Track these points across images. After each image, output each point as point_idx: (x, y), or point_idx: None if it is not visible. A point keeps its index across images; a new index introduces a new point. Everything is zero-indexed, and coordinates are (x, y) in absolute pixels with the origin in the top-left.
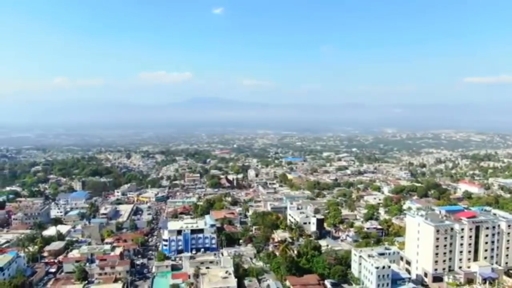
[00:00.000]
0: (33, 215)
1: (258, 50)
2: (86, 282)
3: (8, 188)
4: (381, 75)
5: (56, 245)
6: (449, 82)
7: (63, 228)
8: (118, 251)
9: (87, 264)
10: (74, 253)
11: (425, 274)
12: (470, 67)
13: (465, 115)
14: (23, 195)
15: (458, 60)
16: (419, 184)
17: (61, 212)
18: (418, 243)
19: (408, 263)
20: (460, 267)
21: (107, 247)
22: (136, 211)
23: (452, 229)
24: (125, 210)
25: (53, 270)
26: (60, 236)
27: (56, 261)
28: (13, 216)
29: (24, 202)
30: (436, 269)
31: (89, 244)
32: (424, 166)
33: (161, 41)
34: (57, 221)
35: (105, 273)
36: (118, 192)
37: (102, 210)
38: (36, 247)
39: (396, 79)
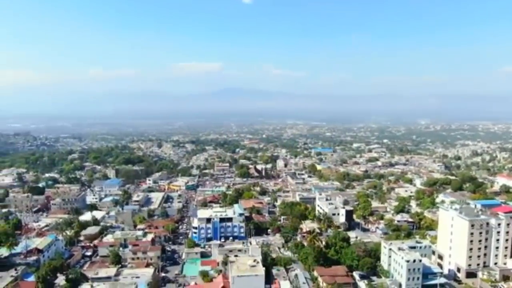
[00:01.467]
0: (70, 201)
1: (287, 39)
2: (120, 266)
3: (47, 175)
4: (415, 64)
5: (92, 229)
6: (486, 72)
7: (98, 214)
8: (149, 237)
9: (121, 248)
10: (109, 238)
11: (458, 269)
12: (508, 56)
13: (504, 106)
14: (61, 181)
15: (495, 48)
16: (454, 177)
17: (96, 198)
18: (452, 237)
19: (440, 257)
20: (495, 263)
21: (139, 233)
22: (167, 199)
23: (488, 224)
24: (156, 197)
25: (89, 253)
26: (95, 221)
27: (91, 245)
28: (52, 202)
29: (62, 188)
30: (470, 265)
31: (122, 229)
32: (459, 158)
33: (192, 31)
34: (92, 207)
35: (138, 258)
36: (149, 180)
37: (135, 197)
38: (73, 231)
39: (430, 69)
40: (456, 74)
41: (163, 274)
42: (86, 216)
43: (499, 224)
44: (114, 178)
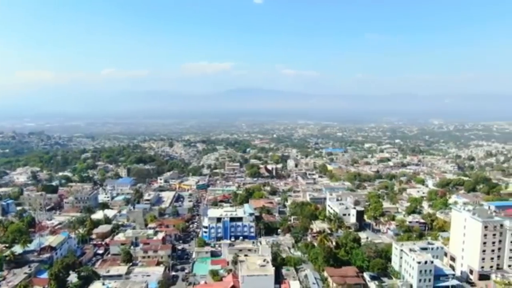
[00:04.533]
0: (83, 199)
1: (299, 39)
2: (131, 264)
3: (60, 174)
4: (429, 64)
5: (104, 228)
6: (503, 70)
7: (109, 212)
8: (160, 235)
9: (132, 247)
10: (120, 236)
11: (471, 271)
12: None
13: None
14: (74, 180)
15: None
16: (467, 178)
17: (108, 197)
18: (464, 239)
19: (453, 259)
20: (509, 266)
21: (150, 231)
22: (178, 198)
23: (502, 225)
24: (167, 196)
25: (100, 251)
26: (107, 220)
27: (103, 243)
28: (65, 200)
29: (75, 187)
30: (482, 267)
31: (134, 228)
32: (472, 159)
33: (203, 32)
34: (104, 206)
35: (148, 256)
36: (161, 179)
37: (146, 196)
38: (85, 229)
39: (445, 68)
40: (471, 73)
41: (173, 273)
42: (98, 215)
43: None
44: (126, 177)
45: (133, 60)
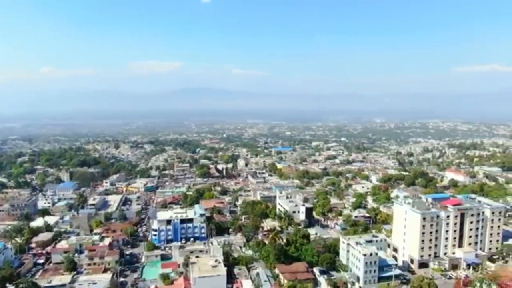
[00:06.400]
0: (20, 206)
1: (248, 39)
2: (75, 272)
3: None
4: (373, 65)
5: (44, 236)
6: (438, 72)
7: (51, 219)
8: (107, 241)
9: (76, 254)
10: (63, 244)
11: (411, 261)
12: (460, 57)
13: (452, 104)
14: (10, 186)
15: (448, 49)
16: (407, 173)
17: (48, 203)
18: (405, 230)
19: (395, 250)
20: (445, 253)
21: (96, 237)
22: (125, 201)
23: (438, 216)
24: (114, 200)
25: (41, 261)
26: (48, 227)
27: (44, 252)
28: None
29: (11, 193)
30: (422, 256)
31: (78, 234)
32: (411, 155)
33: (149, 30)
34: (44, 212)
35: (94, 263)
36: (106, 182)
37: (91, 201)
38: (23, 238)
39: (387, 69)
40: (413, 74)
41: (121, 279)
42: (38, 222)
43: (448, 217)
44: (68, 181)
45: (74, 59)
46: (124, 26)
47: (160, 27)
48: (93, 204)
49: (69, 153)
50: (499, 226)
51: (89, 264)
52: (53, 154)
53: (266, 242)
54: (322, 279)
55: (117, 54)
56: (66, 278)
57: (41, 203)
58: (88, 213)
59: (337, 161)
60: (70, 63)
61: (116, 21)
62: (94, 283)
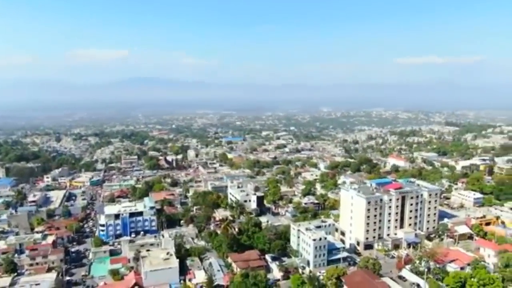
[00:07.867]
0: None
1: (198, 28)
2: (16, 274)
3: None
4: (319, 55)
5: None
6: (381, 63)
7: None
8: (50, 239)
9: (16, 255)
10: (0, 245)
11: (358, 243)
12: (400, 48)
13: (394, 93)
14: None
15: (392, 40)
16: (352, 160)
17: None
18: (352, 214)
19: (343, 233)
20: (388, 235)
21: (38, 236)
22: (69, 197)
23: (381, 200)
24: (56, 196)
25: None
26: None
27: None
28: None
29: None
30: (367, 238)
31: (17, 234)
32: (357, 142)
33: (92, 16)
34: None
35: (37, 263)
36: (48, 177)
37: (31, 198)
38: None
39: (333, 58)
40: (352, 64)
41: (67, 278)
42: None
43: (390, 200)
44: (4, 177)
45: (8, 44)
46: (65, 10)
47: (103, 14)
48: (33, 201)
49: (4, 148)
50: (435, 207)
51: (31, 265)
52: None
53: (219, 232)
54: (274, 265)
55: (57, 41)
56: (5, 280)
57: None
58: (28, 210)
59: (286, 150)
60: (2, 49)
61: (57, 5)
62: (37, 284)
